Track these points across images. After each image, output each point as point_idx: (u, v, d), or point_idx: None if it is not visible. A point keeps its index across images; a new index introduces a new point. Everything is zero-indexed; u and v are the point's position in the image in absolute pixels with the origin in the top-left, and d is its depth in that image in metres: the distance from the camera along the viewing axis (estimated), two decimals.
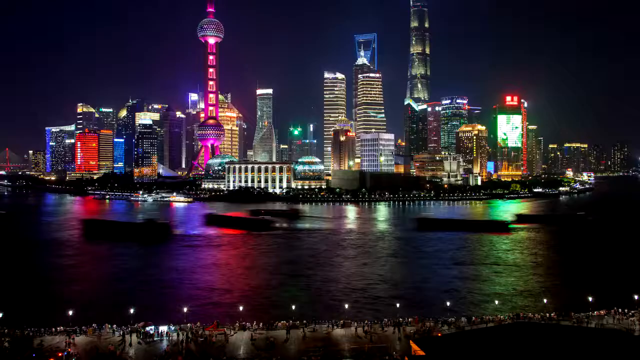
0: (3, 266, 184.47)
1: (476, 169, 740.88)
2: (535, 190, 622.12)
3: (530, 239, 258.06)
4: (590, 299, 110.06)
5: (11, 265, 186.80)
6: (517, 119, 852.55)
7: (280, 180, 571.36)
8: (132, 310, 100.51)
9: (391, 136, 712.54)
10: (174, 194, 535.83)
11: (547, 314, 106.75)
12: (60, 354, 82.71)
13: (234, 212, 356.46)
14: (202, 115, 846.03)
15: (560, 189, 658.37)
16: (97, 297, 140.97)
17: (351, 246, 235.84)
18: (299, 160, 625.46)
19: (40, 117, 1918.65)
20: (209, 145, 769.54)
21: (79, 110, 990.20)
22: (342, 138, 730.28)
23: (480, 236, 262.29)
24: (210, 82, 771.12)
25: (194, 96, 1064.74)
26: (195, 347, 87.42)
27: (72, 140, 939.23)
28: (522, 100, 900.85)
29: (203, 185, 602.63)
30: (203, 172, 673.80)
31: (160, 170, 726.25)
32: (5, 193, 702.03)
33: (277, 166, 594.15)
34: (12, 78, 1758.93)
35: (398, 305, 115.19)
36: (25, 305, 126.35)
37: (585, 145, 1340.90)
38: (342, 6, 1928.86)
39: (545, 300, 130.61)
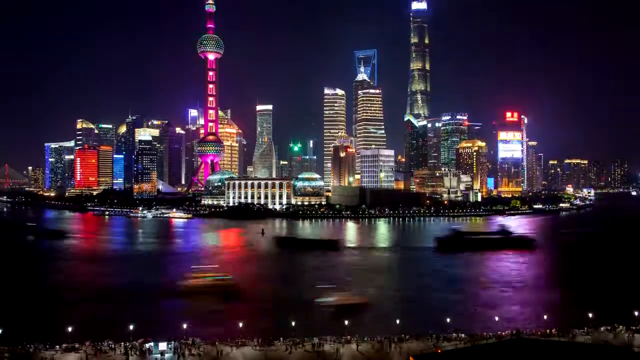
0: None
1: (476, 185, 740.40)
2: (535, 206, 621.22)
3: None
4: (590, 315, 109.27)
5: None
6: (517, 135, 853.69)
7: (280, 197, 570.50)
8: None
9: (391, 152, 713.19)
10: (174, 210, 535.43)
11: (548, 330, 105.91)
12: None
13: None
14: (202, 131, 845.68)
15: (561, 205, 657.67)
16: None
17: None
18: (299, 176, 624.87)
19: (40, 133, 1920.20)
20: (209, 162, 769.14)
21: (79, 126, 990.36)
22: (342, 154, 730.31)
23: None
24: (210, 98, 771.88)
25: (193, 112, 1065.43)
26: None
27: (72, 157, 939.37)
28: (522, 116, 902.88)
29: (203, 202, 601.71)
30: (203, 188, 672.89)
31: (160, 187, 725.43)
32: (5, 209, 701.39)
33: (277, 182, 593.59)
34: (11, 94, 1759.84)
35: (398, 321, 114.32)
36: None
37: (586, 162, 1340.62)
38: (342, 22, 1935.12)
39: (545, 317, 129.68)
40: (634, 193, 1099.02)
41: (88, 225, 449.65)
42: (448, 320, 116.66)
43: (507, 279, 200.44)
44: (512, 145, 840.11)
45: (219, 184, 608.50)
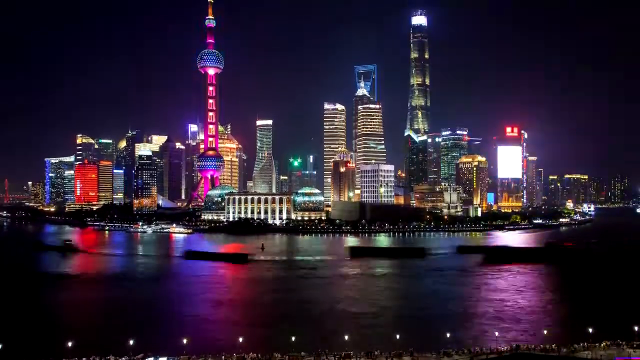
0: None
1: (476, 200, 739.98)
2: (535, 221, 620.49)
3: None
4: (590, 330, 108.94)
5: None
6: (517, 150, 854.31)
7: (280, 212, 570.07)
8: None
9: (391, 167, 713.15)
10: (174, 225, 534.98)
11: (547, 345, 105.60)
12: None
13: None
14: (202, 146, 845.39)
15: (561, 220, 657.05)
16: None
17: None
18: (299, 191, 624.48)
19: (40, 148, 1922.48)
20: (209, 177, 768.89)
21: (78, 141, 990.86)
22: (342, 169, 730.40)
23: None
24: (210, 113, 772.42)
25: (193, 127, 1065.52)
26: None
27: (72, 172, 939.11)
28: (522, 131, 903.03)
29: (203, 216, 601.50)
30: (203, 203, 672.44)
31: (160, 201, 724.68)
32: (5, 224, 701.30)
33: (277, 197, 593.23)
34: (11, 109, 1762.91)
35: (398, 336, 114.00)
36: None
37: (586, 177, 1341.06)
38: (342, 37, 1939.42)
39: (545, 332, 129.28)
40: (639, 210, 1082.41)
41: (88, 240, 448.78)
42: (448, 335, 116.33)
43: (507, 292, 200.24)
44: (512, 160, 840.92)
45: (219, 199, 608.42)
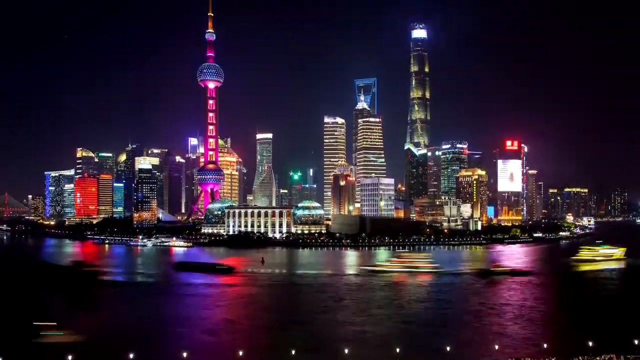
0: None
1: (476, 214, 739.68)
2: (535, 235, 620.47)
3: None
4: (590, 343, 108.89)
5: None
6: (517, 164, 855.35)
7: (280, 225, 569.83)
8: None
9: (391, 181, 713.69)
10: (174, 238, 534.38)
11: (547, 359, 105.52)
12: None
13: None
14: (202, 159, 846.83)
15: (561, 233, 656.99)
16: None
17: None
18: (299, 205, 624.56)
19: (39, 161, 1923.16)
20: (209, 190, 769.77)
21: (78, 154, 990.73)
22: (342, 183, 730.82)
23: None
24: (210, 127, 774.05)
25: (193, 140, 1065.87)
26: None
27: (72, 185, 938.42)
28: (522, 145, 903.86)
29: (203, 230, 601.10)
30: (203, 217, 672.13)
31: (160, 215, 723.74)
32: (4, 238, 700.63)
33: (277, 211, 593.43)
34: (11, 123, 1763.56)
35: (398, 349, 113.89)
36: None
37: (586, 190, 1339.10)
38: (342, 51, 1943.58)
39: (545, 345, 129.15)
40: (639, 221, 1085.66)
41: (89, 254, 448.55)
42: (448, 348, 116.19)
43: (507, 305, 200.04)
44: (512, 174, 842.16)
45: (219, 212, 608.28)
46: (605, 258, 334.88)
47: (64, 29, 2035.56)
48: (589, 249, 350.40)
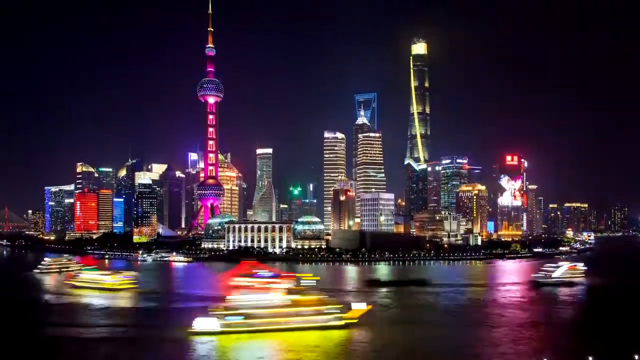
0: None
1: (476, 229, 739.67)
2: (535, 250, 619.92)
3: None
4: (590, 358, 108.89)
5: None
6: (517, 179, 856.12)
7: (280, 240, 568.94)
8: None
9: (391, 196, 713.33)
10: (174, 253, 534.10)
11: None
12: None
13: None
14: (202, 174, 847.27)
15: (561, 248, 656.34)
16: None
17: None
18: (299, 220, 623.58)
19: (40, 176, 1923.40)
20: (209, 205, 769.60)
21: (78, 169, 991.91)
22: (342, 198, 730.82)
23: None
24: (210, 142, 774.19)
25: (193, 155, 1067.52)
26: None
27: (72, 200, 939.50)
28: (522, 160, 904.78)
29: (203, 245, 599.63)
30: (203, 232, 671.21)
31: (160, 230, 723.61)
32: (5, 253, 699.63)
33: (277, 226, 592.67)
34: (11, 138, 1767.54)
35: None
36: None
37: (586, 205, 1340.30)
38: (342, 65, 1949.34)
39: None
40: None
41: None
42: None
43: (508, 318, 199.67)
44: (512, 190, 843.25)
45: (219, 227, 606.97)
46: None
47: (63, 48, 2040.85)
48: None
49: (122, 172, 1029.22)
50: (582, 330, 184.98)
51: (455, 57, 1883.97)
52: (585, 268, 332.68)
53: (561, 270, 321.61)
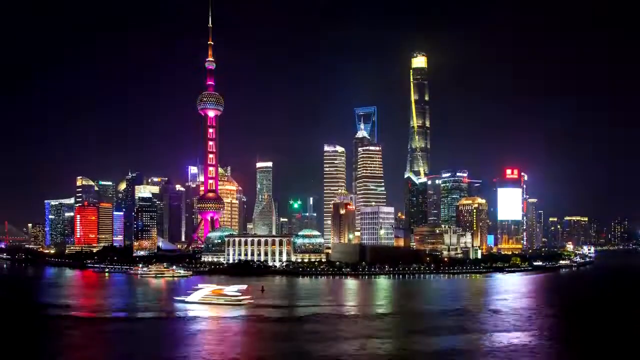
0: None
1: (476, 242, 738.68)
2: (535, 263, 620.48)
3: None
4: None
5: None
6: (517, 192, 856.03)
7: (280, 254, 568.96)
8: None
9: (391, 209, 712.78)
10: (174, 267, 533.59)
11: None
12: None
13: None
14: (202, 188, 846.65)
15: (561, 262, 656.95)
16: None
17: None
18: (299, 233, 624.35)
19: (39, 190, 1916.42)
20: (209, 219, 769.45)
21: (78, 183, 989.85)
22: (342, 211, 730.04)
23: None
24: (210, 155, 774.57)
25: (193, 169, 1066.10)
26: None
27: (72, 214, 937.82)
28: (522, 174, 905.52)
29: (203, 259, 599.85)
30: (202, 245, 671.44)
31: (160, 244, 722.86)
32: (5, 266, 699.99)
33: (277, 239, 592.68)
34: (10, 151, 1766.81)
35: None
36: None
37: (586, 219, 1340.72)
38: (342, 79, 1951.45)
39: None
40: None
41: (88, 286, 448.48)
42: None
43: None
44: (512, 202, 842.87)
45: (219, 241, 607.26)
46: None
47: (63, 63, 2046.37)
48: None
49: (122, 186, 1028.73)
50: None
51: (455, 71, 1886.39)
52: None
53: (200, 293, 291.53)
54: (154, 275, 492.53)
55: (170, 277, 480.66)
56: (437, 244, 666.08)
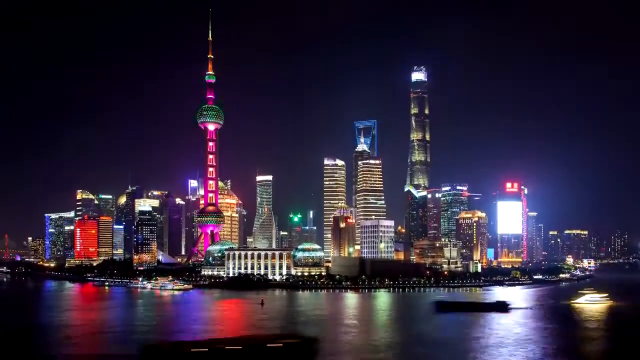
0: None
1: (476, 256, 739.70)
2: (535, 277, 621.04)
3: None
4: None
5: None
6: (517, 206, 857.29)
7: (280, 267, 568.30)
8: None
9: (391, 223, 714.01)
10: (175, 280, 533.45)
11: None
12: None
13: None
14: (202, 201, 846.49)
15: (561, 275, 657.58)
16: None
17: None
18: (299, 247, 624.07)
19: (39, 203, 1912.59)
20: (209, 232, 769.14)
21: (78, 196, 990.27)
22: (342, 225, 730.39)
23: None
24: (210, 169, 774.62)
25: (193, 182, 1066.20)
26: None
27: (72, 227, 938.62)
28: (522, 187, 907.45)
29: (203, 272, 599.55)
30: (203, 259, 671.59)
31: (160, 257, 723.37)
32: (5, 280, 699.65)
33: (277, 253, 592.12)
34: (10, 165, 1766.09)
35: None
36: None
37: (586, 232, 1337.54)
38: (342, 92, 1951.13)
39: None
40: None
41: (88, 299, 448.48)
42: None
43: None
44: (512, 216, 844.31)
45: (219, 254, 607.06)
46: None
47: (63, 79, 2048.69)
48: None
49: (122, 199, 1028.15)
50: None
51: (455, 84, 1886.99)
52: None
53: None
54: (158, 288, 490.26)
55: (170, 290, 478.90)
56: (437, 257, 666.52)
